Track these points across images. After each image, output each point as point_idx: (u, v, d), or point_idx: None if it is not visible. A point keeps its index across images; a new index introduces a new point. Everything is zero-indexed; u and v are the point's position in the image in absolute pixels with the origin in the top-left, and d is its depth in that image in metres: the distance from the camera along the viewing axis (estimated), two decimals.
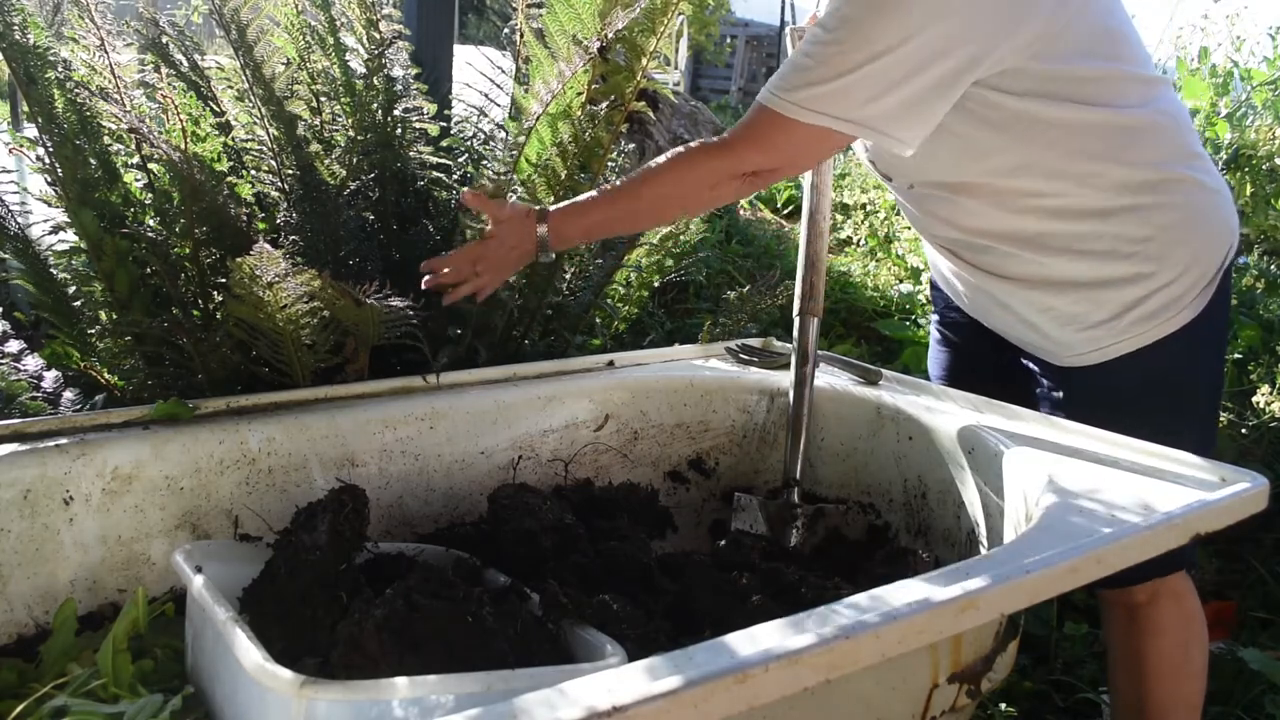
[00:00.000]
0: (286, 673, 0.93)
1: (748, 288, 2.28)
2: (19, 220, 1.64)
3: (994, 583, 1.04)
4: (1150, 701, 1.62)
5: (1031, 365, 1.67)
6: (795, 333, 1.72)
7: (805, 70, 1.38)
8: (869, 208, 5.71)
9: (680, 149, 1.50)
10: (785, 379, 1.86)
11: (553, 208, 1.56)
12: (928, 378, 1.86)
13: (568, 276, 1.99)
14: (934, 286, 1.86)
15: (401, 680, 0.94)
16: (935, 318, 1.89)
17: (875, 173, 1.62)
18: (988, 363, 1.76)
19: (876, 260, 4.68)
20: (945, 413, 1.64)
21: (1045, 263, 1.51)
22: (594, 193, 1.57)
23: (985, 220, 1.53)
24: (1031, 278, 1.53)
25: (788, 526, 1.67)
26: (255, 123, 1.79)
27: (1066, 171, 1.45)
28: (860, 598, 0.99)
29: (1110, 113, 1.43)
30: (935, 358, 1.88)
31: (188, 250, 1.63)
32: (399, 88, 1.91)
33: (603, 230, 1.63)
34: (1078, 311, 1.52)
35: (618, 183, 1.55)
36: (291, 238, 1.74)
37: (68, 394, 1.64)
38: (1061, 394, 1.60)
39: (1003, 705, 2.09)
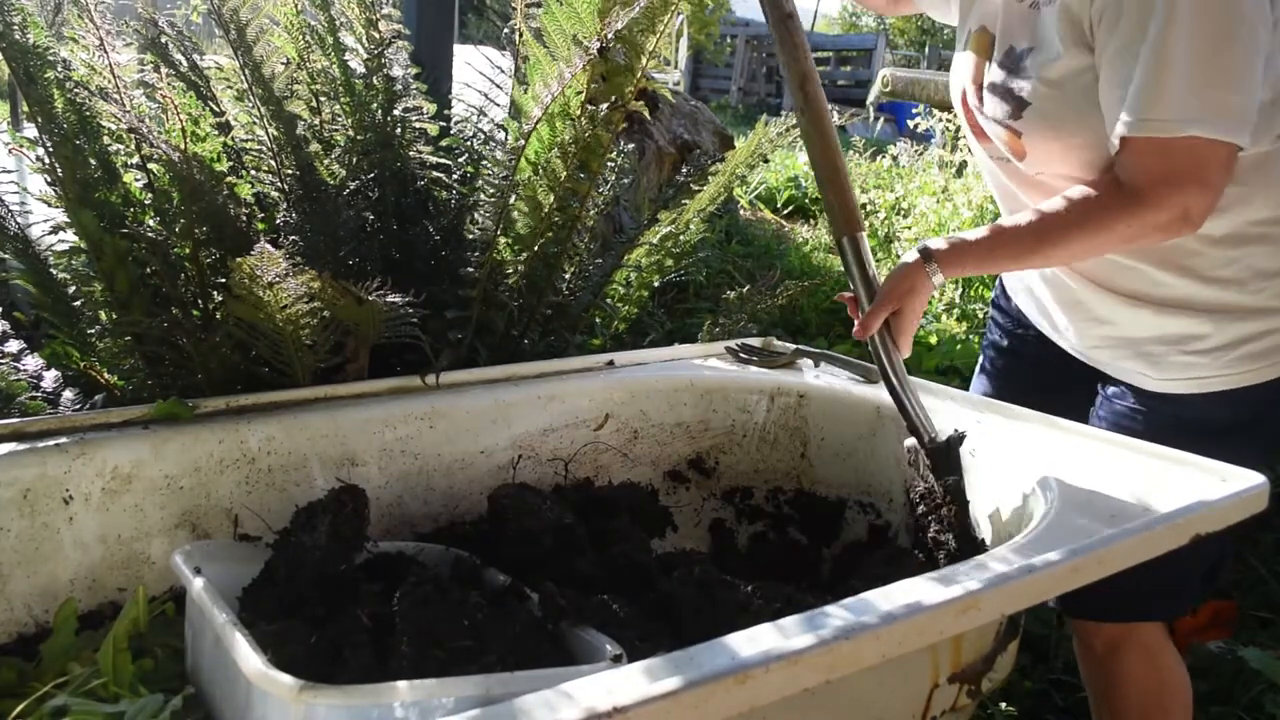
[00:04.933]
0: (286, 678, 0.93)
1: (748, 288, 2.28)
2: (19, 220, 1.64)
3: (995, 583, 1.04)
4: None
5: (1106, 389, 1.59)
6: (844, 257, 1.49)
7: (1163, 79, 1.24)
8: (869, 208, 5.72)
9: (1083, 196, 1.34)
10: (785, 378, 1.86)
11: (935, 246, 1.43)
12: (928, 377, 1.85)
13: (567, 276, 1.99)
14: (997, 304, 1.81)
15: (401, 684, 0.94)
16: (995, 337, 1.82)
17: (994, 143, 1.49)
18: (1051, 388, 1.68)
19: (876, 260, 4.69)
20: (945, 413, 1.64)
21: (1167, 282, 1.44)
22: (985, 233, 1.42)
23: None
24: (1146, 295, 1.46)
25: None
26: (255, 123, 1.79)
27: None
28: (860, 598, 1.00)
29: (1268, 139, 1.36)
30: (990, 382, 1.81)
31: (188, 250, 1.62)
32: (399, 87, 1.90)
33: (995, 267, 1.52)
34: (1187, 334, 1.45)
35: (1008, 224, 1.41)
36: (291, 238, 1.74)
37: (68, 394, 1.64)
38: (1140, 418, 1.52)
39: (1003, 705, 2.09)
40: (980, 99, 1.49)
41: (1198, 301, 1.44)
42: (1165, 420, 1.50)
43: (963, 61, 1.55)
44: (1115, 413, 1.56)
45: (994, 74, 1.46)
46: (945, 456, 1.45)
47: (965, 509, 1.42)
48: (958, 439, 1.46)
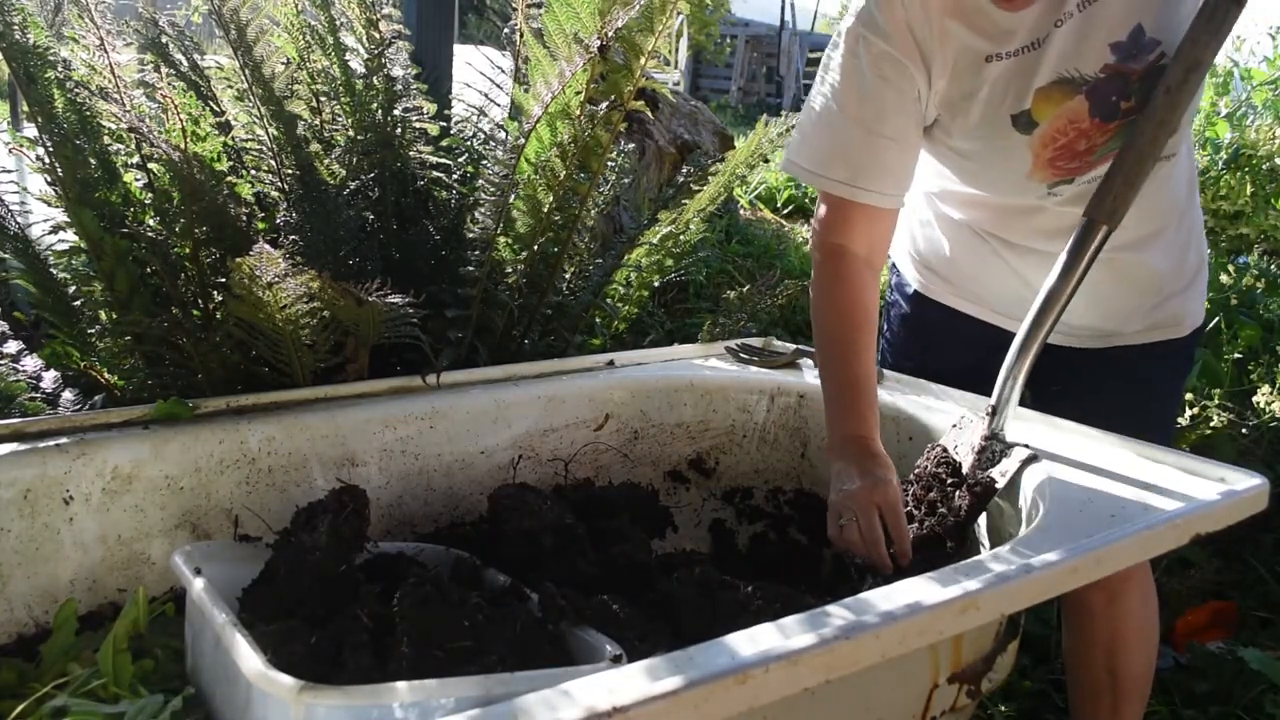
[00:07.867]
0: (286, 679, 0.93)
1: (748, 288, 2.28)
2: (19, 220, 1.64)
3: (995, 583, 1.04)
4: (1124, 676, 1.71)
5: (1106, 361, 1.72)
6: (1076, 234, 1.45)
7: None
8: None
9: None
10: (785, 378, 1.86)
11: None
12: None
13: (568, 276, 1.99)
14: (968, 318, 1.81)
15: (401, 684, 0.94)
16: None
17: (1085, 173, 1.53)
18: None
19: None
20: (945, 412, 1.64)
21: (1169, 239, 1.66)
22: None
23: (1166, 190, 1.61)
24: (1160, 265, 1.66)
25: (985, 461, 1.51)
26: (255, 122, 1.79)
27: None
28: (860, 598, 1.00)
29: None
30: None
31: (188, 250, 1.62)
32: (399, 87, 1.90)
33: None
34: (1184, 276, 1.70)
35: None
36: (291, 238, 1.74)
37: (67, 394, 1.64)
38: (1149, 367, 1.71)
39: (1002, 705, 2.09)
40: (1094, 123, 1.49)
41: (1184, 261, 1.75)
42: (1169, 361, 1.76)
43: (1037, 134, 1.52)
44: (1116, 382, 1.75)
45: (1121, 66, 1.46)
46: (997, 458, 1.46)
47: (978, 512, 1.42)
48: (1024, 457, 1.43)
